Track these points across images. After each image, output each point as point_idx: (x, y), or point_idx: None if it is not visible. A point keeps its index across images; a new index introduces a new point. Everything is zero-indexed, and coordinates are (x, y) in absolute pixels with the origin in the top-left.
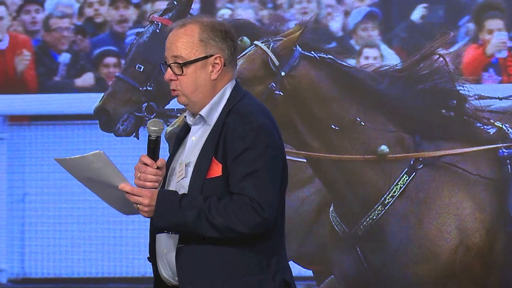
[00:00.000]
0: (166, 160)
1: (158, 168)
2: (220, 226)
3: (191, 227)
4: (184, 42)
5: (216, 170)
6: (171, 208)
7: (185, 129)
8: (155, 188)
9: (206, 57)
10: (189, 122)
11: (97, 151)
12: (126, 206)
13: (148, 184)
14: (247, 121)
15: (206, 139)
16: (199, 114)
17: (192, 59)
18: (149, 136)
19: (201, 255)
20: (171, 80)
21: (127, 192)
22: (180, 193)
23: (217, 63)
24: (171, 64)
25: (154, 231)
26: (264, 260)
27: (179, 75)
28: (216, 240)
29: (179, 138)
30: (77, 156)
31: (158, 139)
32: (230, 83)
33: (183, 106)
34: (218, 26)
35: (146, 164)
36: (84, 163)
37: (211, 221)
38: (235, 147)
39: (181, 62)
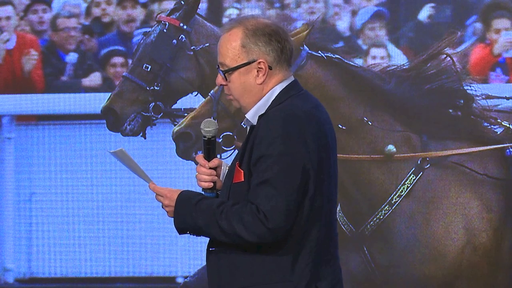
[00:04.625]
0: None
1: (212, 168)
2: (229, 232)
3: (204, 230)
4: (228, 49)
5: (239, 176)
6: (187, 210)
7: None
8: (211, 188)
9: (248, 63)
10: (244, 124)
11: (120, 148)
12: None
13: (203, 184)
14: (267, 128)
15: (243, 143)
16: (246, 117)
17: (234, 66)
18: (203, 137)
19: (224, 259)
20: (222, 85)
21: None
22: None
23: (261, 68)
24: (220, 70)
25: None
26: (287, 268)
27: (226, 81)
28: (237, 246)
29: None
30: (117, 149)
31: (211, 139)
32: (280, 84)
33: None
34: (261, 30)
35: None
36: (121, 156)
37: (221, 226)
38: (254, 154)
39: (224, 69)
